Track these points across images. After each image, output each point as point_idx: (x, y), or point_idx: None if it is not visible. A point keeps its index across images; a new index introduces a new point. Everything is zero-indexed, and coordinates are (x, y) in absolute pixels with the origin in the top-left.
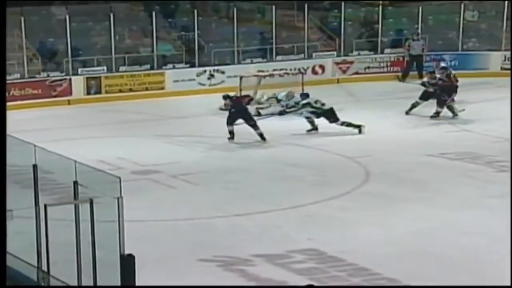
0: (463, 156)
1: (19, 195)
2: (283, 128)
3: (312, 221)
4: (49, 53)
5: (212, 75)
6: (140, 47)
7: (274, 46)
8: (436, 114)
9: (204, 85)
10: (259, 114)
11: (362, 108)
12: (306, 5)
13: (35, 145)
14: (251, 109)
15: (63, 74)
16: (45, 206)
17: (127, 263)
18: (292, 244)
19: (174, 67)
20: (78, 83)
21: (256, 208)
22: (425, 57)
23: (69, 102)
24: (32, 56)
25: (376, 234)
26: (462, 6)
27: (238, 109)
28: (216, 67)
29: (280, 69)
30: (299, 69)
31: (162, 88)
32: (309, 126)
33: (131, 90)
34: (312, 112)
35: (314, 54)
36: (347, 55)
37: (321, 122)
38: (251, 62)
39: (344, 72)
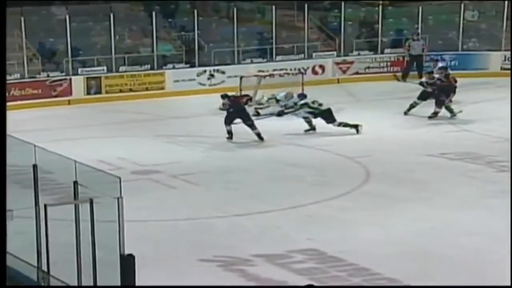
0: (463, 156)
1: (19, 195)
2: (282, 128)
3: (312, 221)
4: (49, 53)
5: (212, 75)
6: (140, 47)
7: (274, 46)
8: (434, 115)
9: (204, 85)
10: (258, 114)
11: (362, 108)
12: (306, 5)
13: (35, 145)
14: (250, 109)
15: (63, 74)
16: (45, 206)
17: (127, 263)
18: (292, 244)
19: (174, 67)
20: (78, 83)
21: (256, 208)
22: (425, 57)
23: (69, 102)
24: (32, 56)
25: (376, 234)
26: (462, 6)
27: (236, 108)
28: (216, 67)
29: (280, 69)
30: (299, 69)
31: (162, 88)
32: (307, 126)
33: (131, 90)
34: (309, 113)
35: (314, 54)
36: (347, 55)
37: (320, 122)
38: (251, 62)
39: (344, 72)
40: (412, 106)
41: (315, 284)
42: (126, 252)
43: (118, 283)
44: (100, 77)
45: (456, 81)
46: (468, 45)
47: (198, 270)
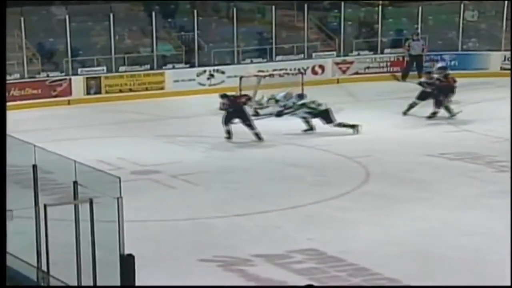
0: (463, 156)
1: (19, 195)
2: (282, 128)
3: (312, 221)
4: (49, 53)
5: (212, 75)
6: (140, 47)
7: (274, 46)
8: (433, 115)
9: (204, 85)
10: (257, 114)
11: (362, 108)
12: (306, 5)
13: (35, 145)
14: (250, 109)
15: (63, 74)
16: (45, 206)
17: (127, 263)
18: (292, 244)
19: (174, 67)
20: (78, 83)
21: (256, 208)
22: (425, 57)
23: (69, 102)
24: (31, 56)
25: (376, 234)
26: (462, 6)
27: (235, 108)
28: (216, 67)
29: (280, 69)
30: (299, 69)
31: (162, 88)
32: (305, 127)
33: (131, 90)
34: (308, 113)
35: (314, 54)
36: (347, 55)
37: (320, 122)
38: (251, 62)
39: (344, 72)
40: (411, 106)
41: (315, 284)
42: (126, 252)
43: (118, 283)
44: (100, 77)
45: (455, 81)
46: (468, 45)
47: (198, 270)
